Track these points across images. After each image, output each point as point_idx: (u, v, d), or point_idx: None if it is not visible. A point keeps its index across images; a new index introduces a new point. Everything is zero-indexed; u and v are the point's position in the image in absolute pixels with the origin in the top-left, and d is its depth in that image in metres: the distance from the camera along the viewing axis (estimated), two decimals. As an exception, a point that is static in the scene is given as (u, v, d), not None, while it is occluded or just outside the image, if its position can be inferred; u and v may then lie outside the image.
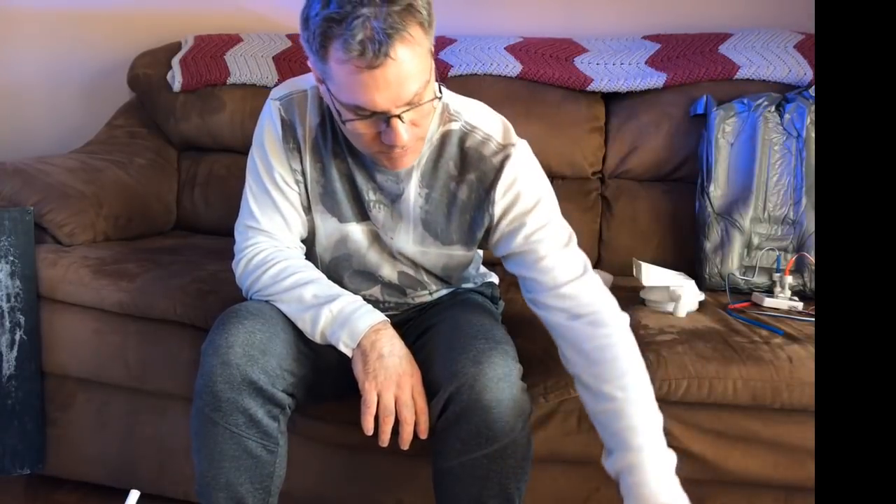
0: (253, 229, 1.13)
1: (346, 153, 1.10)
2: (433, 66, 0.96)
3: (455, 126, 1.09)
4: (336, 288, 1.08)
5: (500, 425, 0.98)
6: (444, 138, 1.09)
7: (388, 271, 1.18)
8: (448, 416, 1.00)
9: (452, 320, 1.11)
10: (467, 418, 0.98)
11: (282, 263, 1.09)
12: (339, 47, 0.88)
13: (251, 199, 1.13)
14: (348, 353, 1.03)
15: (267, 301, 1.09)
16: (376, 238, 1.15)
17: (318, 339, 1.05)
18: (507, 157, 1.08)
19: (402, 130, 0.94)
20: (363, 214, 1.13)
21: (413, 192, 1.10)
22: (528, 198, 1.09)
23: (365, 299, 1.18)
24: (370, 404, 1.00)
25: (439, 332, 1.10)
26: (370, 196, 1.11)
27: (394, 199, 1.11)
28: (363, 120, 0.95)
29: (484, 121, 1.10)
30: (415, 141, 0.99)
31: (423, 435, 1.02)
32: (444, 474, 1.04)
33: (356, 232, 1.14)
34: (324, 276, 1.11)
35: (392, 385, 1.00)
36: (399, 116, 0.93)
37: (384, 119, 0.94)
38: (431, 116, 1.01)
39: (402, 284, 1.20)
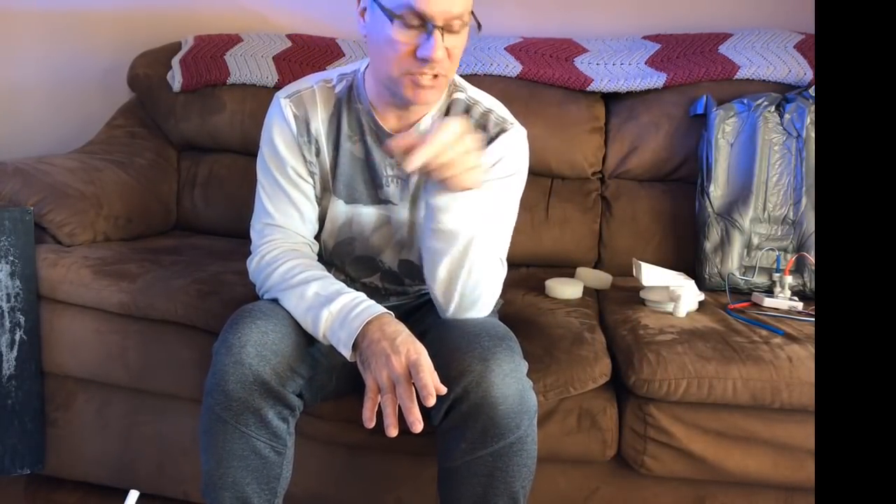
0: (269, 226, 1.15)
1: (364, 134, 1.14)
2: (473, 18, 1.05)
3: (461, 96, 1.16)
4: (338, 285, 1.07)
5: (506, 422, 0.98)
6: (451, 107, 1.15)
7: (390, 258, 1.20)
8: (454, 416, 1.00)
9: (453, 319, 1.10)
10: (474, 417, 0.98)
11: (291, 262, 1.10)
12: None
13: (265, 196, 1.16)
14: (346, 354, 1.01)
15: (276, 300, 1.09)
16: (385, 222, 1.18)
17: (321, 340, 1.05)
18: (504, 131, 1.14)
19: (440, 45, 0.99)
20: (375, 197, 1.17)
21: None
22: (503, 169, 1.13)
23: (365, 287, 1.19)
24: (369, 391, 0.98)
25: (441, 331, 1.09)
26: (387, 171, 1.16)
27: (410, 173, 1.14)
28: (406, 29, 1.00)
29: (485, 98, 1.18)
30: (443, 73, 1.04)
31: (428, 402, 0.94)
32: (449, 474, 1.04)
33: (363, 214, 1.18)
34: (329, 275, 1.11)
35: (383, 366, 0.96)
36: (442, 31, 0.99)
37: (426, 32, 1.00)
38: (455, 65, 1.07)
39: (402, 273, 1.21)
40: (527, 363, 1.05)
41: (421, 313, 1.23)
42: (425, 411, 1.01)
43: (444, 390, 0.96)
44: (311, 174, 1.16)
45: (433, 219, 1.02)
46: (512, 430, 0.99)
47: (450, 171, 0.96)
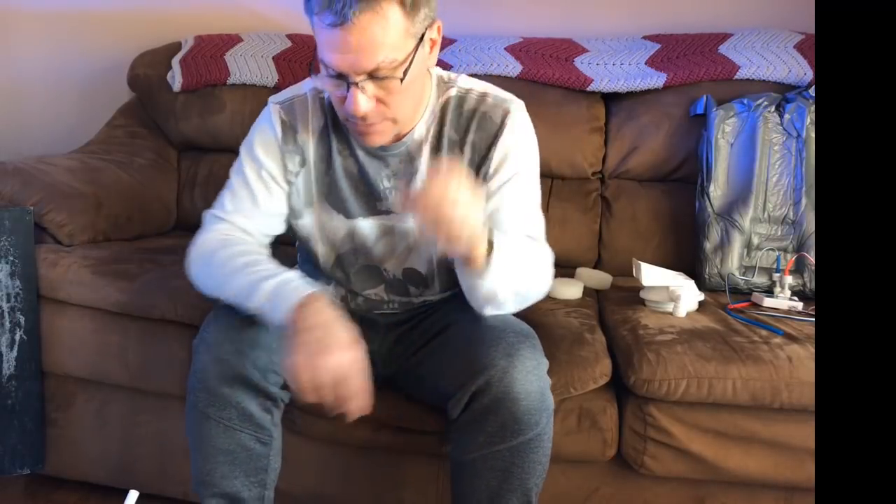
0: (220, 220, 1.12)
1: (354, 148, 1.12)
2: (419, 52, 0.97)
3: (452, 93, 1.11)
4: (274, 266, 1.03)
5: (527, 418, 0.99)
6: (444, 107, 1.11)
7: (394, 266, 1.18)
8: (475, 409, 1.00)
9: (473, 316, 1.09)
10: (495, 411, 0.98)
11: (238, 246, 1.07)
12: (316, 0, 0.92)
13: (228, 193, 1.14)
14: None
15: (215, 284, 1.07)
16: (387, 232, 1.16)
17: (255, 311, 0.99)
18: (507, 113, 1.09)
19: (361, 100, 0.95)
20: (374, 209, 1.14)
21: (424, 166, 1.11)
22: (517, 155, 1.10)
23: (369, 300, 1.18)
24: (292, 382, 0.92)
25: (464, 326, 1.09)
26: (385, 184, 1.12)
27: (410, 180, 1.12)
28: (331, 79, 0.97)
29: (476, 83, 1.13)
30: (382, 120, 1.00)
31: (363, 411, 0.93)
32: (463, 467, 1.04)
33: (364, 227, 1.15)
34: (271, 258, 1.07)
35: (308, 367, 0.90)
36: (358, 85, 0.94)
37: (346, 84, 0.95)
38: (406, 101, 1.02)
39: (407, 282, 1.20)
40: (547, 361, 1.05)
41: (430, 315, 1.21)
42: (443, 405, 1.03)
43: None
44: (289, 182, 1.13)
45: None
46: (531, 427, 1.00)
47: (443, 231, 0.89)
